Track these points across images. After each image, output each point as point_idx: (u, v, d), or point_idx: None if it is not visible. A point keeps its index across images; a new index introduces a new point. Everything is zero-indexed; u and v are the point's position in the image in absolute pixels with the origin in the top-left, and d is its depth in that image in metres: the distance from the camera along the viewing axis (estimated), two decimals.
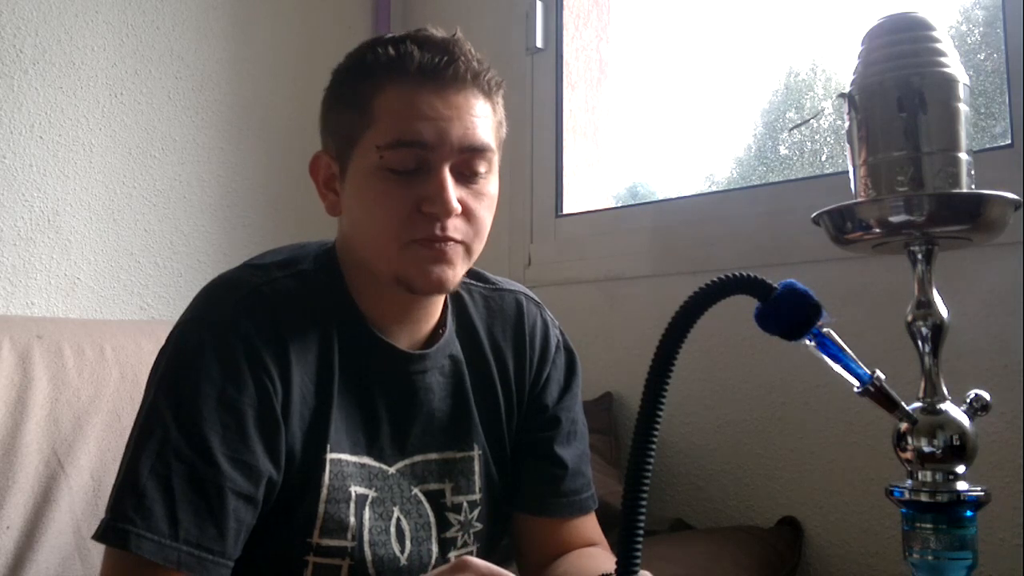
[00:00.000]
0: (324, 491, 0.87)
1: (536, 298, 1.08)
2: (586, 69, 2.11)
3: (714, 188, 2.03)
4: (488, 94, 0.90)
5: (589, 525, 1.03)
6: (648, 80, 2.18)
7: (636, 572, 0.51)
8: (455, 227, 0.86)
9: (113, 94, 1.84)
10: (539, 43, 2.05)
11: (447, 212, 0.84)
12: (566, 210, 2.01)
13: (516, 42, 2.09)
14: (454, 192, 0.85)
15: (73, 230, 1.76)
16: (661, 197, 2.05)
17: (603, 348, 1.78)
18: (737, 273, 0.53)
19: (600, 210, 2.02)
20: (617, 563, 0.52)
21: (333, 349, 0.90)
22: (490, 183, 0.91)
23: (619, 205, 2.11)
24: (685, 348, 0.52)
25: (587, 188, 2.08)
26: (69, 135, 1.77)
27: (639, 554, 0.52)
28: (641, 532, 0.52)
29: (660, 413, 0.52)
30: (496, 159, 0.91)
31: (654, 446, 0.52)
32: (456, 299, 1.01)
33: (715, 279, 0.52)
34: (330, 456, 0.88)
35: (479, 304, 1.03)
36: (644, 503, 0.52)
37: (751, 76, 2.00)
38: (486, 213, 0.90)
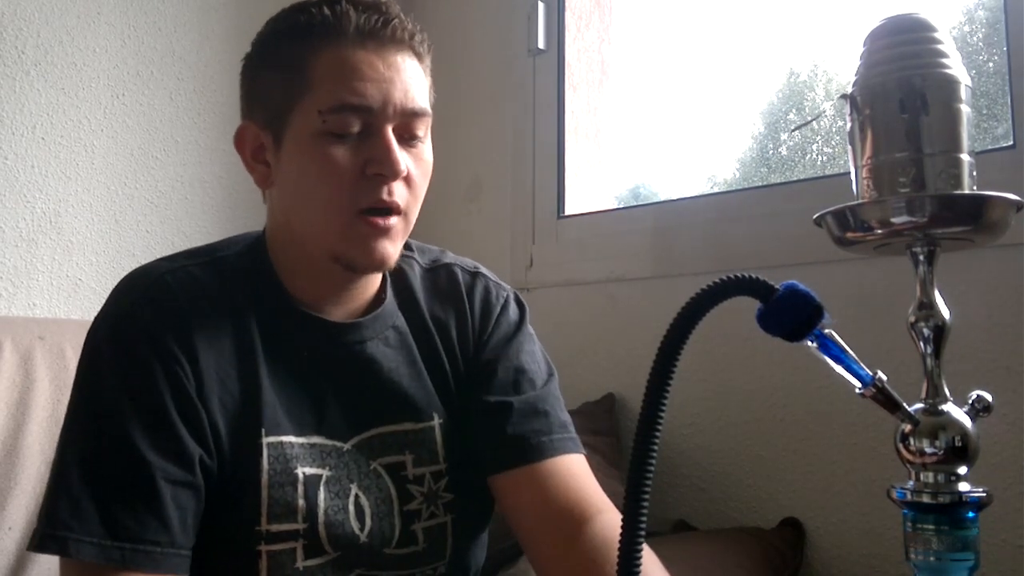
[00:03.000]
0: (265, 476, 0.85)
1: (474, 267, 1.05)
2: (588, 70, 2.11)
3: (716, 189, 2.03)
4: (421, 57, 0.89)
5: (563, 475, 0.93)
6: (650, 81, 2.18)
7: (638, 574, 0.51)
8: (399, 193, 0.85)
9: (115, 95, 1.85)
10: (541, 44, 2.05)
11: (394, 173, 0.84)
12: (568, 211, 2.01)
13: (518, 43, 2.09)
14: (399, 154, 0.84)
15: (75, 231, 1.76)
16: (663, 198, 2.05)
17: (605, 349, 1.78)
18: (739, 274, 0.53)
19: (602, 211, 2.02)
20: (619, 565, 0.52)
21: (252, 332, 0.88)
22: (427, 148, 0.90)
23: (621, 206, 2.11)
24: (687, 349, 0.52)
25: (589, 189, 2.08)
26: (71, 136, 1.77)
27: (640, 555, 0.52)
28: (643, 534, 0.52)
29: (662, 414, 0.52)
30: (430, 125, 0.89)
31: (656, 448, 0.52)
32: (397, 272, 0.98)
33: (717, 280, 0.52)
34: (267, 440, 0.86)
35: (419, 279, 1.01)
36: (646, 505, 0.52)
37: (752, 77, 2.01)
38: (424, 180, 0.90)
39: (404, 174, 0.85)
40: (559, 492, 0.91)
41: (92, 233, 1.78)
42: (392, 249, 0.87)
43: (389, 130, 0.84)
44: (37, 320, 1.59)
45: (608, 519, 0.89)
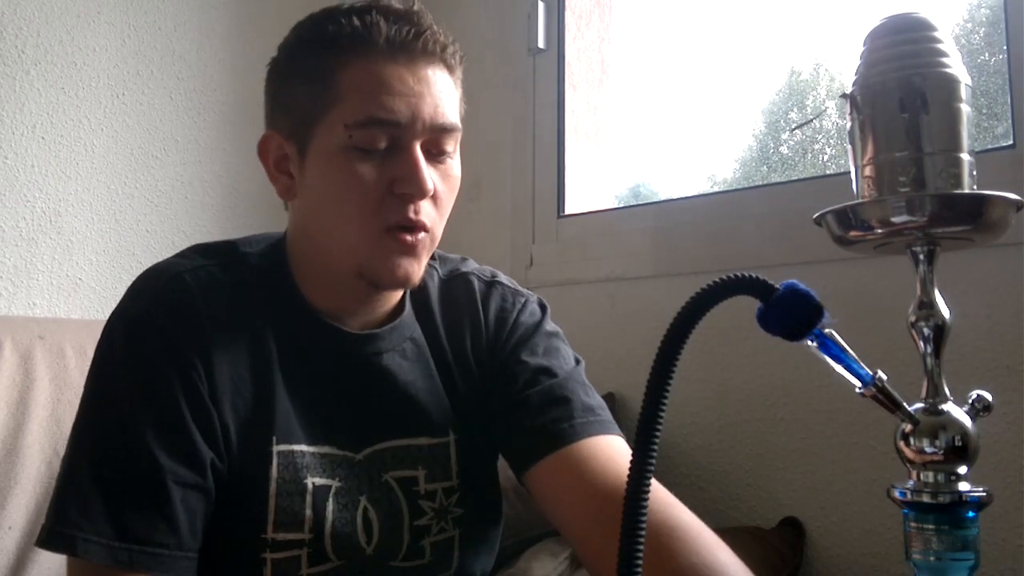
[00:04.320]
0: (273, 484, 0.84)
1: (491, 276, 1.03)
2: (588, 70, 2.11)
3: (716, 188, 2.03)
4: (452, 69, 0.87)
5: (594, 457, 0.88)
6: (650, 80, 2.18)
7: (637, 575, 0.51)
8: (426, 212, 0.84)
9: (115, 95, 1.84)
10: (541, 44, 2.05)
11: (422, 192, 0.82)
12: (568, 211, 2.01)
13: (518, 43, 2.09)
14: (427, 172, 0.83)
15: (75, 231, 1.76)
16: (663, 197, 2.05)
17: (605, 349, 1.78)
18: (739, 274, 0.53)
19: (602, 211, 2.02)
20: (618, 565, 0.51)
21: (268, 338, 0.87)
22: (456, 163, 0.88)
23: (621, 206, 2.11)
24: (687, 349, 0.52)
25: (589, 189, 2.08)
26: (71, 136, 1.77)
27: (640, 555, 0.52)
28: (643, 533, 0.52)
29: (662, 414, 0.52)
30: (460, 139, 0.88)
31: (656, 447, 0.51)
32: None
33: (717, 280, 0.52)
34: (278, 448, 0.85)
35: (436, 290, 0.99)
36: (645, 504, 0.52)
37: (753, 76, 2.00)
38: (450, 197, 0.88)
39: (431, 193, 0.83)
40: (591, 476, 0.86)
41: (92, 232, 1.78)
42: (417, 267, 0.85)
43: (417, 147, 0.83)
44: (37, 320, 1.59)
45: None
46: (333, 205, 0.84)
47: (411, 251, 0.84)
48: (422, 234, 0.84)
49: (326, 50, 0.83)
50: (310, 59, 0.85)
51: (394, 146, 0.82)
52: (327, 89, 0.82)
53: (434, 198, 0.85)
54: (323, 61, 0.83)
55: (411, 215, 0.83)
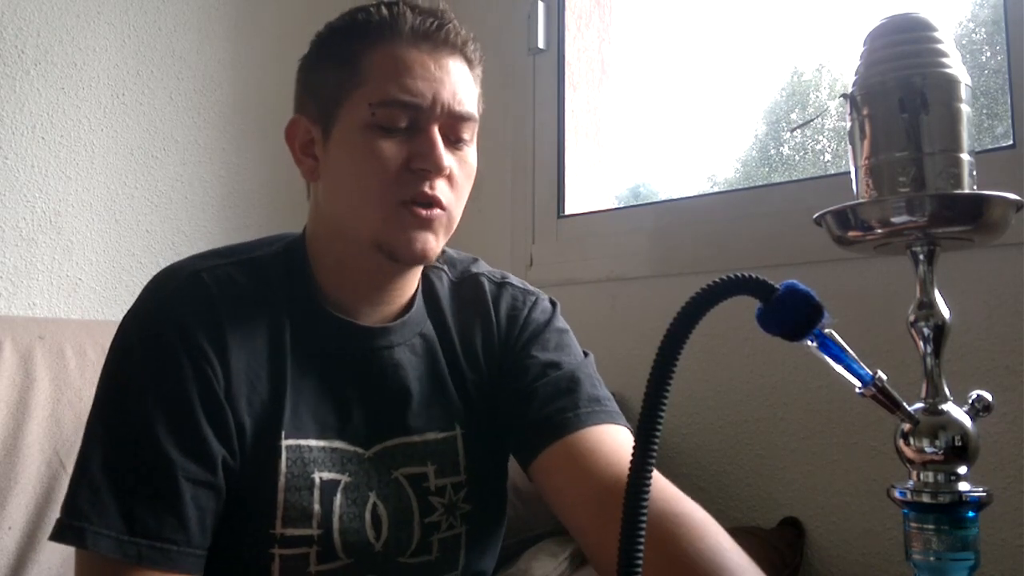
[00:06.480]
0: (282, 479, 0.85)
1: (501, 277, 1.04)
2: (588, 69, 2.11)
3: (716, 189, 2.03)
4: (472, 64, 0.91)
5: (597, 447, 0.88)
6: (650, 80, 2.18)
7: (637, 574, 0.51)
8: (441, 189, 0.86)
9: (115, 95, 1.84)
10: (541, 44, 2.05)
11: (438, 169, 0.85)
12: (568, 211, 2.01)
13: (518, 43, 2.09)
14: (444, 151, 0.86)
15: (75, 231, 1.76)
16: (663, 198, 2.05)
17: (605, 349, 1.77)
18: (739, 274, 0.53)
19: (602, 211, 2.02)
20: (618, 565, 0.51)
21: (283, 333, 0.88)
22: (472, 152, 0.91)
23: (621, 206, 2.11)
24: (687, 349, 0.52)
25: (589, 189, 2.08)
26: (71, 136, 1.77)
27: (640, 555, 0.52)
28: (643, 533, 0.52)
29: (662, 414, 0.52)
30: (476, 131, 0.91)
31: (656, 447, 0.51)
32: (426, 281, 0.99)
33: (717, 280, 0.52)
34: (286, 443, 0.86)
35: (447, 289, 1.01)
36: (645, 504, 0.52)
37: (755, 76, 2.00)
38: (467, 183, 0.91)
39: (447, 172, 0.86)
40: (594, 465, 0.87)
41: (92, 233, 1.78)
42: (433, 242, 0.87)
43: (435, 128, 0.86)
44: (37, 320, 1.58)
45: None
46: (354, 180, 0.87)
47: (427, 225, 0.86)
48: (438, 210, 0.86)
49: (354, 37, 0.88)
50: (339, 45, 0.89)
51: (414, 127, 0.86)
52: (353, 72, 0.86)
53: (451, 180, 0.88)
54: (350, 46, 0.87)
55: (427, 190, 0.85)
